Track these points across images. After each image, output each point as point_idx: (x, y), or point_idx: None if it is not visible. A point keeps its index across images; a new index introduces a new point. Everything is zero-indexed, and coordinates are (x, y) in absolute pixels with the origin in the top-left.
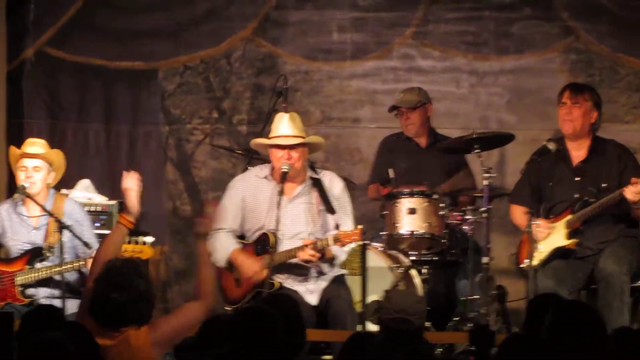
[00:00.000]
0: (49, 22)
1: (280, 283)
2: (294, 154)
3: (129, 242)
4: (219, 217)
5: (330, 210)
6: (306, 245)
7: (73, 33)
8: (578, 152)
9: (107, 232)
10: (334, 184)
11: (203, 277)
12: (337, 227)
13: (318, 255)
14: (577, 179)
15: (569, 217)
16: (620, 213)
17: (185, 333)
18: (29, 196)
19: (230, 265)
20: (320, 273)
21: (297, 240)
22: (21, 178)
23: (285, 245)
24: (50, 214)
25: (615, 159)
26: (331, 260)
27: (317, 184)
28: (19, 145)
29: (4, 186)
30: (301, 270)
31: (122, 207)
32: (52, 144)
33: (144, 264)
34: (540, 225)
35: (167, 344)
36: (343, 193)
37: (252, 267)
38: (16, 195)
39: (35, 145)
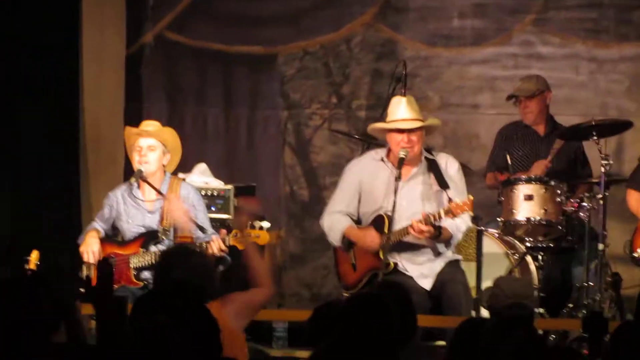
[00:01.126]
0: (169, 6)
1: (395, 264)
2: (413, 137)
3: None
4: (332, 201)
5: (445, 186)
6: (419, 220)
7: (192, 18)
8: None
9: (223, 216)
10: (449, 165)
11: (256, 271)
12: (450, 201)
13: (431, 228)
14: None
15: None
16: None
17: (254, 310)
18: (145, 180)
19: (347, 243)
20: (436, 254)
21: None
22: (136, 158)
23: (402, 226)
24: (166, 198)
25: None
26: (447, 241)
27: (433, 165)
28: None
29: (121, 170)
30: (417, 251)
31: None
32: (172, 127)
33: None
34: None
35: (242, 314)
36: (458, 173)
37: (369, 235)
38: (132, 179)
39: (150, 125)
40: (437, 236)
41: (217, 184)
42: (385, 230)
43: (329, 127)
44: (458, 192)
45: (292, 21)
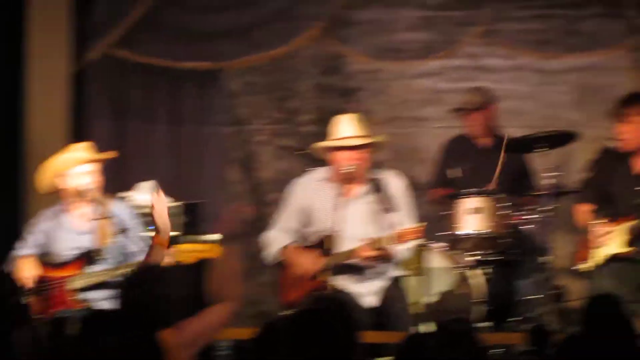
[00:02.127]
0: (116, 23)
1: (336, 285)
2: (362, 154)
3: (194, 242)
4: (275, 218)
5: (391, 209)
6: (367, 244)
7: (139, 34)
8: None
9: (172, 233)
10: (394, 184)
11: (226, 279)
12: (397, 225)
13: (378, 253)
14: (637, 188)
15: (632, 222)
16: None
17: (212, 334)
18: (97, 200)
19: (281, 262)
20: (379, 273)
21: (357, 241)
22: (85, 182)
23: (346, 246)
24: (104, 218)
25: None
26: (390, 260)
27: (378, 185)
28: None
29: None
30: (359, 271)
31: (184, 211)
32: (118, 145)
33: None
34: (600, 227)
35: (193, 345)
36: (404, 192)
37: (307, 259)
38: (65, 202)
39: (90, 149)
40: (381, 257)
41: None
42: (330, 250)
43: (275, 142)
44: (406, 213)
45: (240, 36)
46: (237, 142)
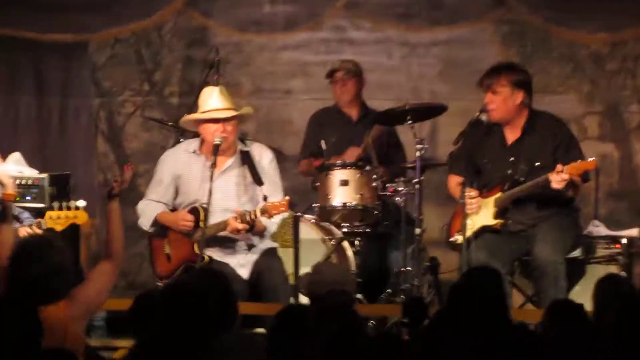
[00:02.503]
0: None
1: (210, 257)
2: (229, 127)
3: (61, 209)
4: (148, 189)
5: (259, 182)
6: (235, 217)
7: (1, 5)
8: (512, 131)
9: (39, 205)
10: (263, 156)
11: (112, 235)
12: (265, 198)
13: (246, 226)
14: (511, 158)
15: (498, 195)
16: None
17: (102, 298)
18: None
19: (158, 229)
20: (251, 246)
21: (227, 213)
22: None
23: (216, 219)
24: None
25: (550, 136)
26: (262, 232)
27: (247, 157)
28: None
29: None
30: (231, 243)
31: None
32: None
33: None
34: (471, 198)
35: (86, 314)
36: (271, 164)
37: (182, 217)
38: None
39: None
40: (251, 231)
41: (31, 173)
42: (201, 222)
43: (142, 114)
44: (273, 186)
45: (104, 8)
46: (104, 114)
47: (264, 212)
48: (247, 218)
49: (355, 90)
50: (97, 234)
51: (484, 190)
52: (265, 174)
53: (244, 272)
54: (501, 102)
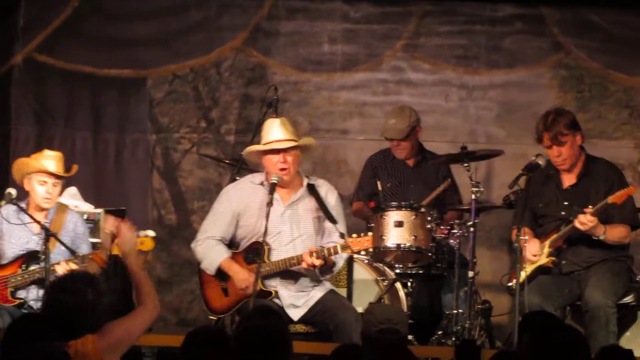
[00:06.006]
0: (39, 28)
1: (275, 291)
2: (289, 157)
3: None
4: (205, 225)
5: (331, 219)
6: (310, 253)
7: (62, 40)
8: (569, 176)
9: (93, 240)
10: (329, 194)
11: (137, 283)
12: (341, 235)
13: (322, 262)
14: (565, 203)
15: (553, 236)
16: None
17: (134, 338)
18: (22, 209)
19: (221, 274)
20: (313, 284)
21: (295, 245)
22: (40, 192)
23: (281, 252)
24: (47, 231)
25: (603, 180)
26: (331, 269)
27: (314, 191)
28: (8, 150)
29: None
30: (294, 280)
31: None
32: (40, 150)
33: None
34: (532, 245)
35: (116, 349)
36: (337, 202)
37: (246, 278)
38: (22, 204)
39: (57, 160)
40: (323, 267)
41: (87, 207)
42: (265, 258)
43: (198, 151)
44: (341, 223)
45: (163, 44)
46: (160, 150)
47: (345, 248)
48: (325, 254)
49: (410, 145)
50: (149, 270)
51: (542, 235)
52: (333, 211)
53: (295, 314)
54: (568, 149)
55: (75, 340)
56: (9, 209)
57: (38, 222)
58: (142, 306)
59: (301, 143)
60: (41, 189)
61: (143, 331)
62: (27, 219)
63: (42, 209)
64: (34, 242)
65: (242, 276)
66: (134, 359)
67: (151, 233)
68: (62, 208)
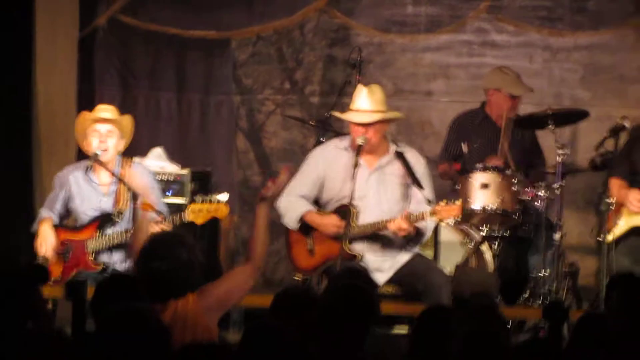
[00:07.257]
0: None
1: (361, 255)
2: (370, 129)
3: (203, 202)
4: (290, 185)
5: (418, 184)
6: (403, 216)
7: (146, 1)
8: None
9: (179, 200)
10: (417, 161)
11: (257, 239)
12: (428, 202)
13: (411, 228)
14: None
15: None
16: None
17: (236, 297)
18: (101, 163)
19: (303, 227)
20: (400, 250)
21: (380, 210)
22: (93, 143)
23: (367, 216)
24: (122, 181)
25: None
26: (419, 237)
27: (402, 157)
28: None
29: (74, 151)
30: (382, 244)
31: (193, 178)
32: (124, 112)
33: (192, 232)
34: (633, 192)
35: (219, 308)
36: (426, 170)
37: (335, 223)
38: (89, 162)
39: (108, 111)
40: (414, 232)
41: (172, 168)
42: (352, 221)
43: (282, 112)
44: (429, 190)
45: (247, 6)
46: (245, 112)
47: (434, 214)
48: (414, 218)
49: (509, 108)
50: (235, 231)
51: None
52: (421, 179)
53: (381, 277)
54: None
55: (175, 300)
56: (76, 171)
57: (110, 171)
58: (247, 265)
59: (383, 117)
60: (95, 140)
61: (245, 292)
62: (95, 179)
63: (104, 166)
64: (104, 203)
65: (329, 221)
66: (222, 319)
67: (224, 197)
68: (126, 163)
